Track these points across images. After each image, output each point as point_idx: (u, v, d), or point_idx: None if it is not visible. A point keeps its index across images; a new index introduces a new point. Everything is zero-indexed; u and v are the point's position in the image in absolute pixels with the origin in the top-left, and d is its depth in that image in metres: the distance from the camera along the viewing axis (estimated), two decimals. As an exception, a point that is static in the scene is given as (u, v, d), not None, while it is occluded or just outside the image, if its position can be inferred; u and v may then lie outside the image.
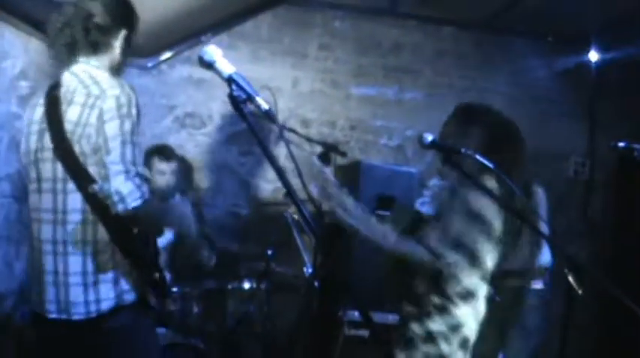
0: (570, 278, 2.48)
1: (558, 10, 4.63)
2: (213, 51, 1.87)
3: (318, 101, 5.04)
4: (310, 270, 4.08)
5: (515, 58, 5.18)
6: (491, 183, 2.45)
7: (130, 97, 2.19)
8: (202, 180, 4.89)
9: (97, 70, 2.28)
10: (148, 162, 4.21)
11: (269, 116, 1.76)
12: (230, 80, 1.82)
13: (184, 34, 4.69)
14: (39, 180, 2.29)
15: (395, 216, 3.79)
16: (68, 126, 2.19)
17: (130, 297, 2.26)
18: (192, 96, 4.87)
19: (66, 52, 2.30)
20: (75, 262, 2.22)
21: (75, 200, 2.21)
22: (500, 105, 5.00)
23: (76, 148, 2.17)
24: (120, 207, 2.09)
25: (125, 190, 2.09)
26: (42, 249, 2.27)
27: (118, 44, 2.36)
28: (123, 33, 2.37)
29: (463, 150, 2.48)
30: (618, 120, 5.01)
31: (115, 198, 2.09)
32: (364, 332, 3.73)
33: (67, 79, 2.28)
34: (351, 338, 3.81)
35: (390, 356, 2.47)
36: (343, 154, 4.06)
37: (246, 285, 4.05)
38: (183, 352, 3.70)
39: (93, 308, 2.21)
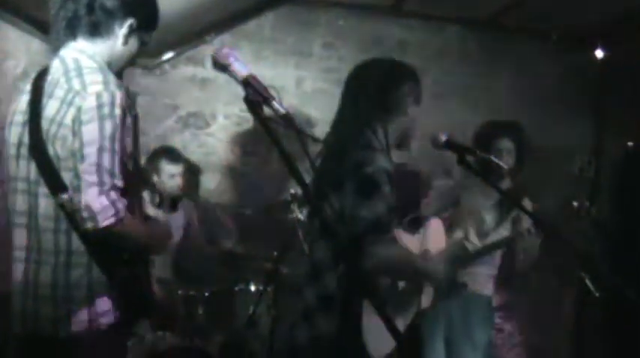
0: (587, 281, 2.45)
1: (564, 8, 4.59)
2: (227, 53, 1.80)
3: (323, 100, 4.99)
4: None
5: (521, 57, 5.13)
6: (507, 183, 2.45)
7: (114, 95, 1.95)
8: (206, 180, 4.85)
9: (88, 59, 2.06)
10: (154, 164, 4.16)
11: (287, 120, 1.70)
12: (246, 83, 1.74)
13: (187, 34, 4.65)
14: (15, 178, 2.07)
15: None
16: (44, 124, 1.98)
17: (107, 320, 2.02)
18: (196, 96, 4.82)
19: (64, 29, 2.08)
20: (45, 273, 2.00)
21: (47, 205, 2.00)
22: (506, 104, 5.05)
23: (50, 150, 1.96)
24: (89, 225, 1.87)
25: (97, 206, 1.85)
26: (14, 256, 2.06)
27: (121, 33, 2.12)
28: (129, 22, 2.12)
29: (478, 151, 2.47)
30: (625, 117, 4.96)
31: (85, 214, 1.87)
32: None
33: (55, 66, 2.06)
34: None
35: None
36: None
37: (253, 287, 4.01)
38: (188, 355, 3.66)
39: (62, 327, 1.98)
